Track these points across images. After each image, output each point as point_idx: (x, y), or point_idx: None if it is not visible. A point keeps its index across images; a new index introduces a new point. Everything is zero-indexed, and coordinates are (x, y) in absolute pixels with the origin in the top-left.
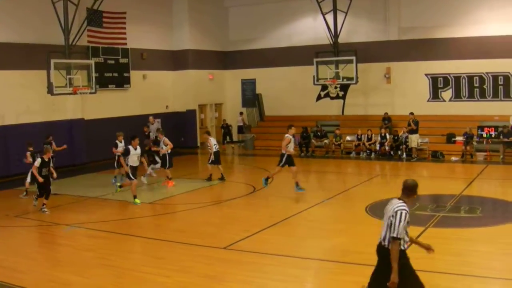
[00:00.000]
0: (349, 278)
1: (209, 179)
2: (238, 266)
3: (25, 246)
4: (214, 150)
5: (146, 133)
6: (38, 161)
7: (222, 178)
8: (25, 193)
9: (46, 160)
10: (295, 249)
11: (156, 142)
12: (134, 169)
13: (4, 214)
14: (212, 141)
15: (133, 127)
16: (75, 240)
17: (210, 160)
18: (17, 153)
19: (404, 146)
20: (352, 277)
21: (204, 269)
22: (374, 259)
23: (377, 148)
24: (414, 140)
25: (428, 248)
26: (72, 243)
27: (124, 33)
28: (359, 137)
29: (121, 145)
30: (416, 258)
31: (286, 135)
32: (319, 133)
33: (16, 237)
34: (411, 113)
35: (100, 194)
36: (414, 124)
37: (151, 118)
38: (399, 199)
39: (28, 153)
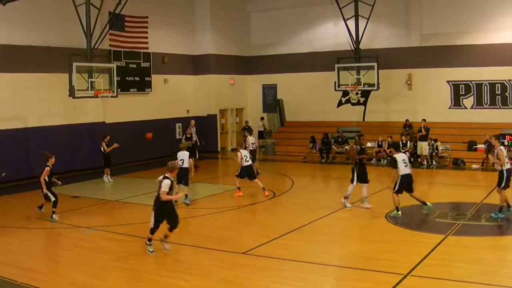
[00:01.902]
0: (367, 285)
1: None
2: (257, 271)
3: (45, 248)
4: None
5: (188, 135)
6: (167, 185)
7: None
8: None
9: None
10: (314, 255)
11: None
12: None
13: (25, 215)
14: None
15: (154, 131)
16: (95, 243)
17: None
18: (39, 155)
19: (428, 154)
20: (370, 284)
21: (223, 274)
22: (392, 266)
23: None
24: (425, 148)
25: None
26: (92, 245)
27: (146, 37)
28: (380, 143)
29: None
30: (436, 265)
31: (500, 147)
32: (340, 139)
33: (37, 239)
34: (423, 120)
35: (120, 197)
36: (425, 131)
37: (192, 121)
38: None
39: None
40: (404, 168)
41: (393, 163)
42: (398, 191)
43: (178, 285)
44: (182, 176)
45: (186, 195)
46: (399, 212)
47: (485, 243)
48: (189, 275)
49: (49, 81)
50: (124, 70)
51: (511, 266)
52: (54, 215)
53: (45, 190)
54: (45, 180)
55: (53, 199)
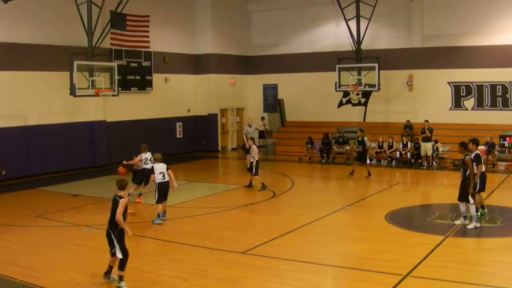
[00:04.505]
0: (366, 285)
1: None
2: (256, 271)
3: (44, 246)
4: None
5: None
6: None
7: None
8: None
9: None
10: (313, 255)
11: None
12: None
13: (25, 213)
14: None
15: (155, 130)
16: (94, 241)
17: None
18: (39, 153)
19: (431, 155)
20: (369, 284)
21: (221, 273)
22: (391, 267)
23: (398, 155)
24: (429, 148)
25: None
26: (91, 244)
27: (147, 36)
28: (380, 144)
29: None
30: (435, 267)
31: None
32: (340, 140)
33: (35, 237)
34: (426, 121)
35: None
36: (429, 132)
37: (250, 120)
38: None
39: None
40: (483, 166)
41: (478, 160)
42: (482, 189)
43: (177, 284)
44: (167, 190)
45: (164, 212)
46: (485, 210)
47: (485, 244)
48: (188, 274)
49: (50, 80)
50: (125, 69)
51: (510, 268)
52: (113, 276)
53: (130, 233)
54: None
55: (120, 256)
